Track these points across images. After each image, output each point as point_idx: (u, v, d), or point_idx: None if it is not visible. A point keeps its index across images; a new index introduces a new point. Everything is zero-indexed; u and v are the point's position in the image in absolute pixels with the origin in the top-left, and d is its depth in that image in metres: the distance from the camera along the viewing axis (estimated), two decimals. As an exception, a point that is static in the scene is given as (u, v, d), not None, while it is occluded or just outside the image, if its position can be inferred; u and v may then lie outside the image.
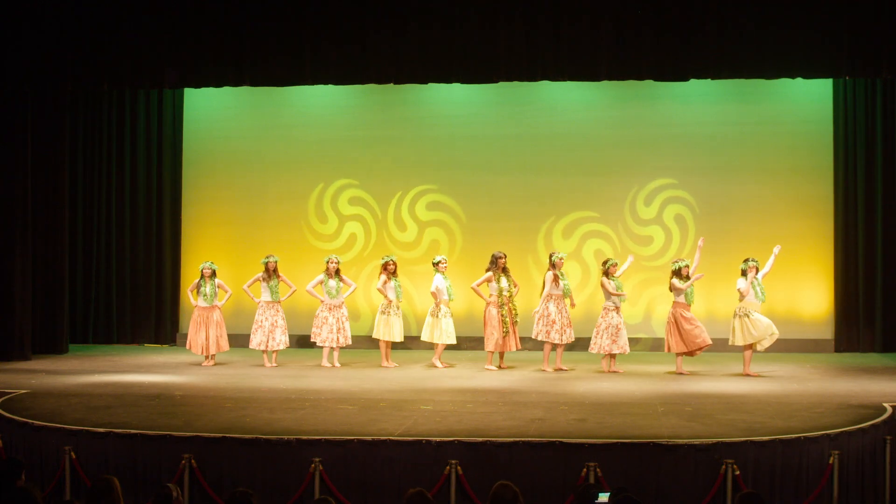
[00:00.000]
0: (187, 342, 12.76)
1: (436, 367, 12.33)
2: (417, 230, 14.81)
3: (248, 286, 12.69)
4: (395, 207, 14.89)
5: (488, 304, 12.29)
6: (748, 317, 11.73)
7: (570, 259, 13.75)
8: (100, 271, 15.20)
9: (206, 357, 12.63)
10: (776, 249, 12.06)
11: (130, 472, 8.21)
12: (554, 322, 12.08)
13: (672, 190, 14.50)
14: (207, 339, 12.57)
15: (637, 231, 14.48)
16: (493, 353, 12.28)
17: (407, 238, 14.85)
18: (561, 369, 12.15)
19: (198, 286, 12.61)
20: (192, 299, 12.71)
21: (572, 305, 12.33)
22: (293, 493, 8.00)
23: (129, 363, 12.94)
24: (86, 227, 15.17)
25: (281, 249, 13.61)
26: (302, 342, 13.91)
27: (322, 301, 12.62)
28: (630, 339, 12.35)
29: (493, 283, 12.24)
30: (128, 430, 8.49)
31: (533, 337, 12.28)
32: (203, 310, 12.59)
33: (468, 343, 13.28)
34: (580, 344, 12.80)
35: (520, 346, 12.45)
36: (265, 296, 12.61)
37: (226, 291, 12.81)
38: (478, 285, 12.37)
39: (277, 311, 12.62)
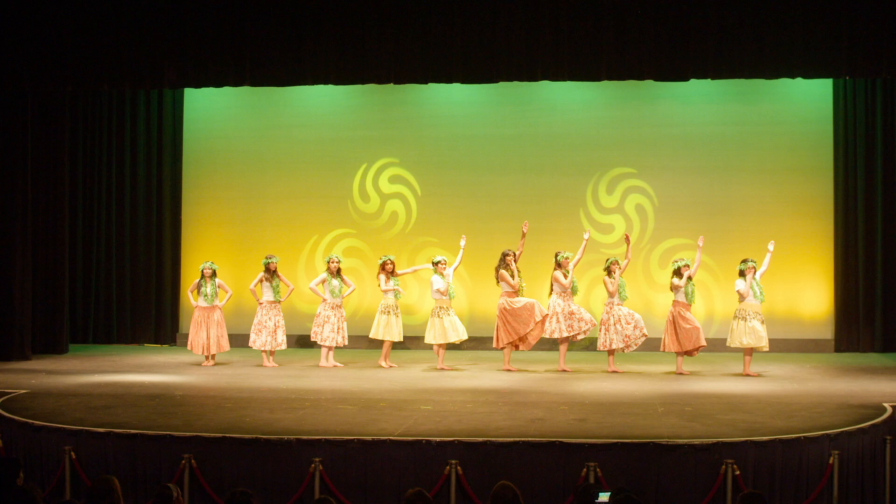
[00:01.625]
0: (188, 342, 12.75)
1: (443, 369, 12.31)
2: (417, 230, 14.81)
3: (254, 286, 12.68)
4: (396, 208, 14.89)
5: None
6: (745, 321, 11.73)
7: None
8: (100, 271, 15.20)
9: (207, 357, 12.63)
10: (770, 246, 12.06)
11: (130, 472, 8.21)
12: (566, 317, 12.10)
13: (671, 189, 14.51)
14: (208, 338, 12.57)
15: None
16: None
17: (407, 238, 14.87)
18: (565, 370, 12.16)
19: (198, 286, 12.61)
20: (193, 300, 12.71)
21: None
22: (293, 493, 8.00)
23: (129, 363, 12.94)
24: (86, 227, 15.17)
25: (282, 249, 13.61)
26: (302, 342, 13.90)
27: (324, 300, 12.62)
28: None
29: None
30: (128, 430, 8.49)
31: (548, 336, 12.28)
32: (203, 310, 12.59)
33: (468, 343, 13.27)
34: (591, 343, 12.83)
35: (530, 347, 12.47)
36: (267, 296, 12.61)
37: (226, 291, 12.81)
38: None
39: (279, 311, 12.64)
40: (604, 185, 14.62)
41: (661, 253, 14.42)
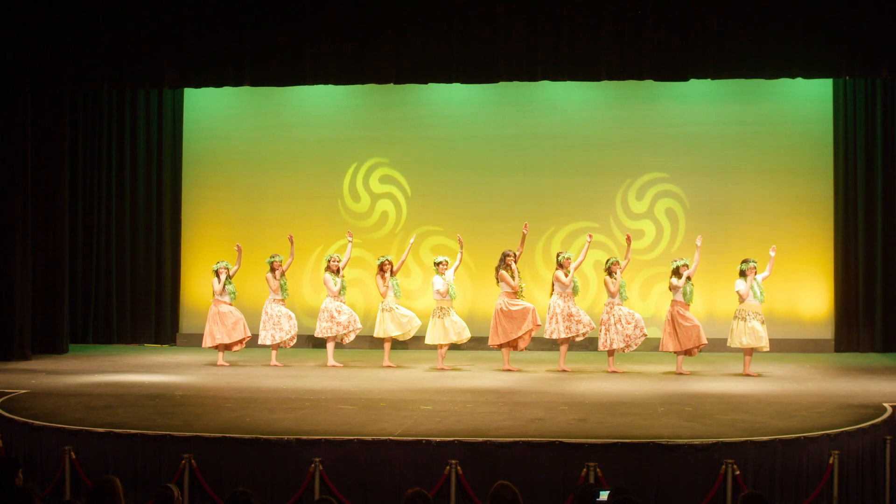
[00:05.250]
0: (213, 340, 12.65)
1: (443, 369, 12.32)
2: (418, 230, 14.79)
3: (275, 284, 12.69)
4: (396, 207, 14.90)
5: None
6: (745, 321, 11.74)
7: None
8: (100, 271, 15.20)
9: (238, 342, 12.65)
10: (772, 252, 12.04)
11: (130, 472, 8.21)
12: (565, 318, 12.10)
13: (671, 188, 14.50)
14: (234, 326, 12.60)
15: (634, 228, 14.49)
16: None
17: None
18: (565, 370, 12.16)
19: (223, 285, 12.62)
20: (222, 297, 12.67)
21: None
22: (293, 493, 8.00)
23: (129, 363, 12.95)
24: (86, 228, 15.17)
25: (281, 249, 13.59)
26: (302, 341, 13.90)
27: (336, 296, 12.61)
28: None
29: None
30: (128, 430, 8.49)
31: (547, 336, 12.28)
32: (227, 304, 12.65)
33: (468, 343, 13.25)
34: (591, 343, 12.83)
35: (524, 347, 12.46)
36: (275, 293, 12.65)
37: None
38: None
39: (283, 308, 12.70)
40: (605, 185, 14.61)
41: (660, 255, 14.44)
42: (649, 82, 12.82)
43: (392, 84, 12.68)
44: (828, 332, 14.27)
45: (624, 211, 14.58)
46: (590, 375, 11.86)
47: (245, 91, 14.26)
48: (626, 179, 14.58)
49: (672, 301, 12.02)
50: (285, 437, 8.25)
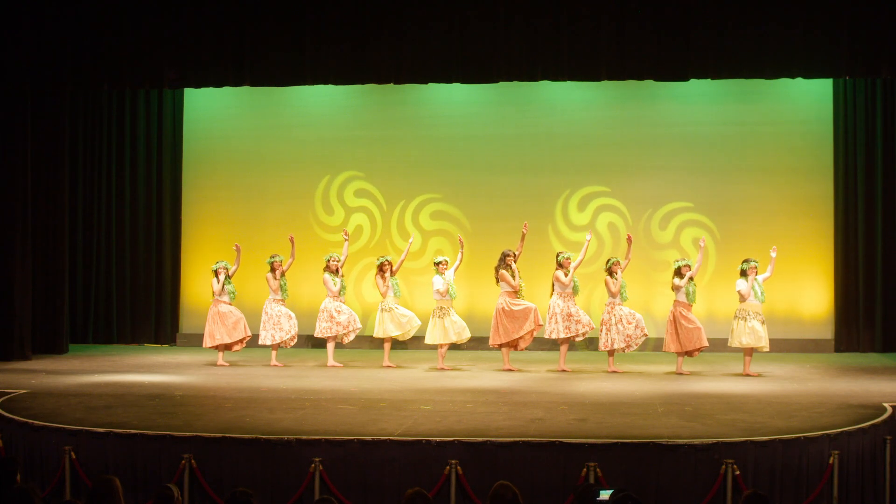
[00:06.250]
0: (213, 340, 12.66)
1: (443, 369, 12.31)
2: (419, 232, 14.80)
3: (275, 284, 12.69)
4: (399, 209, 14.90)
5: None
6: (745, 321, 11.74)
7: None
8: (100, 271, 15.20)
9: (239, 342, 12.65)
10: (773, 253, 12.04)
11: (130, 472, 8.21)
12: (565, 318, 12.10)
13: (671, 187, 14.51)
14: (235, 326, 12.60)
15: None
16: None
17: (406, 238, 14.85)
18: (565, 370, 12.16)
19: (223, 285, 12.62)
20: (221, 297, 12.67)
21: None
22: (293, 493, 8.00)
23: (129, 363, 12.95)
24: (86, 227, 15.17)
25: (282, 249, 13.58)
26: (302, 342, 13.89)
27: (336, 296, 12.62)
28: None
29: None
30: (128, 430, 8.49)
31: (547, 336, 12.28)
32: (227, 304, 12.64)
33: (468, 343, 13.25)
34: (591, 343, 12.83)
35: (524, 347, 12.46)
36: (275, 293, 12.65)
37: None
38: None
39: (284, 307, 12.70)
40: (606, 185, 14.61)
41: (660, 256, 14.43)
42: (649, 82, 12.82)
43: (392, 84, 12.68)
44: (828, 332, 14.27)
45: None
46: (590, 375, 11.86)
47: (245, 91, 14.26)
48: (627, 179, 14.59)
49: (675, 301, 12.02)
50: (285, 437, 8.24)
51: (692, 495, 7.85)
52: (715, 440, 8.04)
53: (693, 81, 12.55)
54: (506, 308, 12.17)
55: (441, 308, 12.37)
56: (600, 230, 14.45)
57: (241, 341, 12.75)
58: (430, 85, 13.85)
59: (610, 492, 5.65)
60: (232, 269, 12.75)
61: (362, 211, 14.98)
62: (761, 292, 11.84)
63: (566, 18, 11.82)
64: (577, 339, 12.31)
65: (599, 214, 14.60)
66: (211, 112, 15.21)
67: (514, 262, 12.21)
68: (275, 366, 12.54)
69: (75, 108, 14.75)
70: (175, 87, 13.87)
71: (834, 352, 14.03)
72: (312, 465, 8.00)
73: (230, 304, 12.72)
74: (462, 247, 12.66)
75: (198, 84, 13.28)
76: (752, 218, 14.26)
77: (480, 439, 8.12)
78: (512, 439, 8.13)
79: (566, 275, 12.18)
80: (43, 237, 13.81)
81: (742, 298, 11.80)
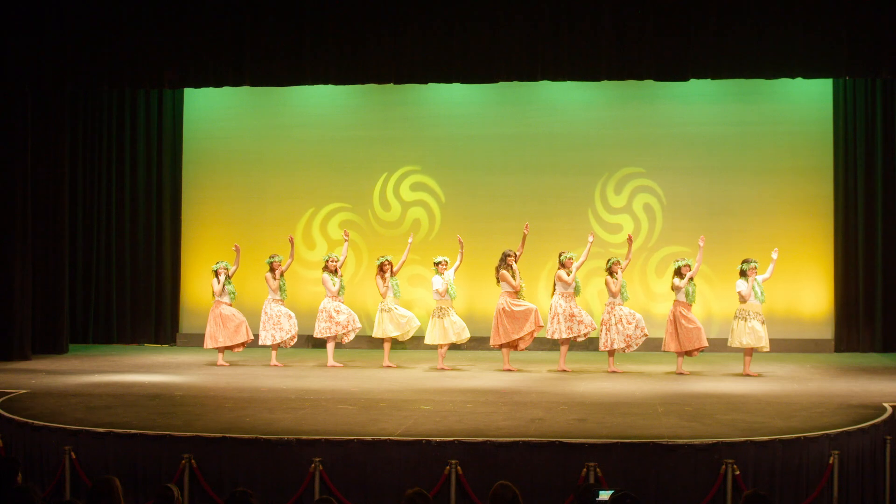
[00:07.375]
0: (215, 342, 12.65)
1: (443, 369, 12.31)
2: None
3: (274, 284, 12.69)
4: (400, 212, 14.92)
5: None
6: (745, 321, 11.74)
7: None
8: (100, 271, 15.20)
9: (240, 344, 12.66)
10: (774, 255, 12.03)
11: (130, 472, 8.20)
12: (567, 318, 12.10)
13: (673, 189, 14.51)
14: (237, 330, 12.60)
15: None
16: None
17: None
18: (565, 370, 12.16)
19: (223, 285, 12.62)
20: (222, 297, 12.66)
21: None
22: (293, 493, 7.99)
23: (129, 363, 12.94)
24: (86, 227, 15.17)
25: (281, 250, 13.60)
26: (301, 342, 13.90)
27: (335, 297, 12.62)
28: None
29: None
30: (128, 430, 8.49)
31: (549, 336, 12.28)
32: (228, 305, 12.65)
33: (468, 343, 13.26)
34: (592, 343, 12.82)
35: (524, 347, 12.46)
36: (274, 293, 12.65)
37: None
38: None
39: (283, 307, 12.71)
40: (605, 185, 14.60)
41: (660, 258, 14.41)
42: (649, 82, 12.82)
43: (392, 84, 12.68)
44: (828, 332, 14.27)
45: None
46: (590, 375, 11.86)
47: (245, 91, 14.26)
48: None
49: (675, 301, 12.02)
50: (285, 437, 8.24)
51: (692, 495, 7.85)
52: (715, 440, 8.04)
53: (693, 81, 12.55)
54: (506, 308, 12.17)
55: (441, 308, 12.37)
56: (606, 228, 14.43)
57: (241, 343, 12.75)
58: (430, 85, 13.86)
59: (610, 492, 5.64)
60: (232, 269, 12.75)
61: (361, 214, 15.00)
62: (761, 292, 11.84)
63: (566, 18, 11.82)
64: (579, 339, 12.31)
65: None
66: (211, 112, 15.21)
67: (515, 262, 12.21)
68: (275, 366, 12.54)
69: (75, 108, 14.76)
70: (175, 87, 13.87)
71: (834, 352, 14.03)
72: (312, 465, 8.00)
73: (231, 305, 12.71)
74: (462, 247, 12.66)
75: (198, 84, 13.28)
76: (752, 218, 14.26)
77: (480, 439, 8.12)
78: (512, 439, 8.13)
79: (568, 275, 12.18)
80: (43, 237, 13.81)
81: (742, 299, 11.80)
